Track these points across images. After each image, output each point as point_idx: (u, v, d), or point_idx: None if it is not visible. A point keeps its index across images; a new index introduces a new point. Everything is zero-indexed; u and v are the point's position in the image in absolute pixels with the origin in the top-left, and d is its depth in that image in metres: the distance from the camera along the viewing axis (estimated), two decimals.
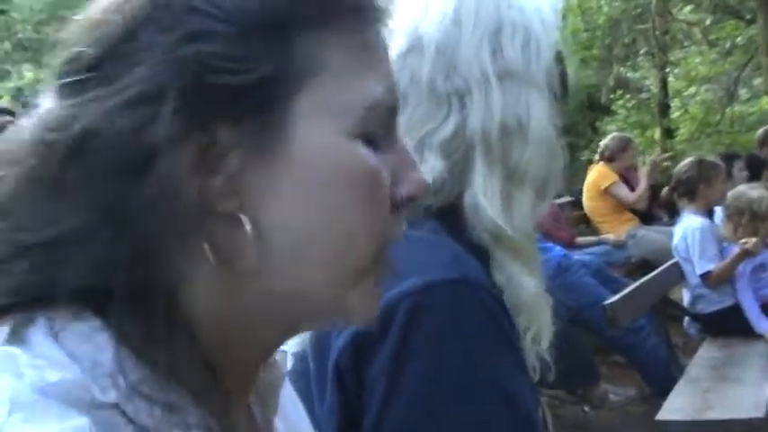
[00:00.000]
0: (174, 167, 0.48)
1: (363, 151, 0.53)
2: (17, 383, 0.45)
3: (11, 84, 18.28)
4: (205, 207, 0.50)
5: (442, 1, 0.93)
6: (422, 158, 0.90)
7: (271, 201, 0.51)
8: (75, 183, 0.48)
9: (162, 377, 0.49)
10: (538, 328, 0.93)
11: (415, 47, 0.92)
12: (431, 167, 0.90)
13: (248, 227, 0.50)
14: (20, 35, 19.38)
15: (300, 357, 0.93)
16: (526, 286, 0.91)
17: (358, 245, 0.54)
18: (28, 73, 19.46)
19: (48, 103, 0.53)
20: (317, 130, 0.52)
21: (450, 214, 0.92)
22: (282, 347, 0.62)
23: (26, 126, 0.52)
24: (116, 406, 0.46)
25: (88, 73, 0.50)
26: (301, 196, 0.52)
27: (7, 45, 19.51)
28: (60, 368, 0.46)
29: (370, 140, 0.54)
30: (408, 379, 0.78)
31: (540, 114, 0.93)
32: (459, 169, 0.92)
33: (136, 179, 0.48)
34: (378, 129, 0.55)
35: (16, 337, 0.48)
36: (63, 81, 0.51)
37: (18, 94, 16.45)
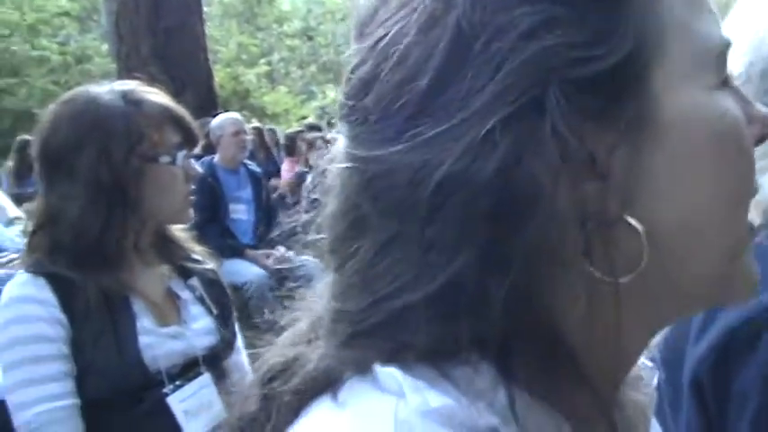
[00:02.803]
0: (559, 197, 0.41)
1: (728, 102, 0.46)
2: (401, 403, 0.42)
3: (316, 103, 19.92)
4: (585, 226, 0.42)
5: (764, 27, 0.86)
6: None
7: (650, 192, 0.43)
8: (442, 236, 0.43)
9: (533, 400, 0.44)
10: None
11: (741, 75, 0.85)
12: (764, 196, 0.81)
13: (640, 228, 0.43)
14: (324, 59, 21.09)
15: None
16: None
17: (744, 206, 0.47)
18: (330, 93, 21.09)
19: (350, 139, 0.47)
20: (682, 97, 0.44)
21: None
22: (649, 364, 0.55)
23: (345, 178, 0.47)
24: (495, 430, 0.43)
25: (418, 107, 0.43)
26: (684, 174, 0.44)
27: (313, 68, 21.31)
28: (440, 390, 0.43)
29: (724, 86, 0.47)
30: None
31: None
32: None
33: (516, 222, 0.41)
34: (726, 72, 0.47)
35: (393, 359, 0.44)
36: (387, 121, 0.44)
37: (322, 113, 17.87)
